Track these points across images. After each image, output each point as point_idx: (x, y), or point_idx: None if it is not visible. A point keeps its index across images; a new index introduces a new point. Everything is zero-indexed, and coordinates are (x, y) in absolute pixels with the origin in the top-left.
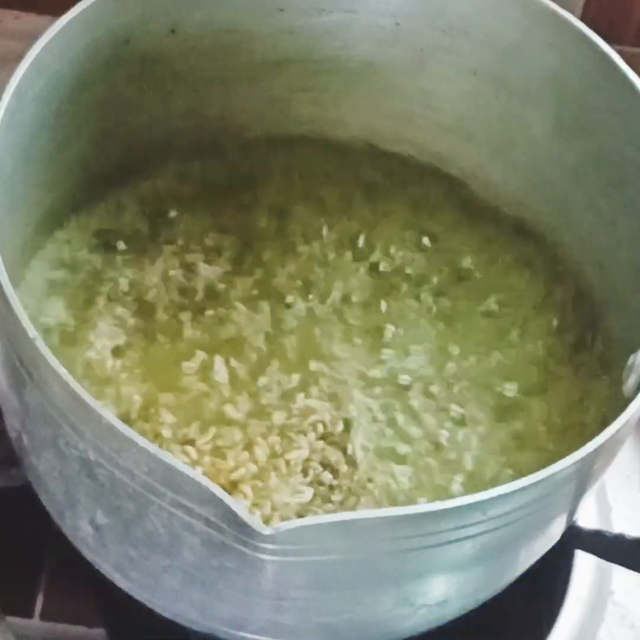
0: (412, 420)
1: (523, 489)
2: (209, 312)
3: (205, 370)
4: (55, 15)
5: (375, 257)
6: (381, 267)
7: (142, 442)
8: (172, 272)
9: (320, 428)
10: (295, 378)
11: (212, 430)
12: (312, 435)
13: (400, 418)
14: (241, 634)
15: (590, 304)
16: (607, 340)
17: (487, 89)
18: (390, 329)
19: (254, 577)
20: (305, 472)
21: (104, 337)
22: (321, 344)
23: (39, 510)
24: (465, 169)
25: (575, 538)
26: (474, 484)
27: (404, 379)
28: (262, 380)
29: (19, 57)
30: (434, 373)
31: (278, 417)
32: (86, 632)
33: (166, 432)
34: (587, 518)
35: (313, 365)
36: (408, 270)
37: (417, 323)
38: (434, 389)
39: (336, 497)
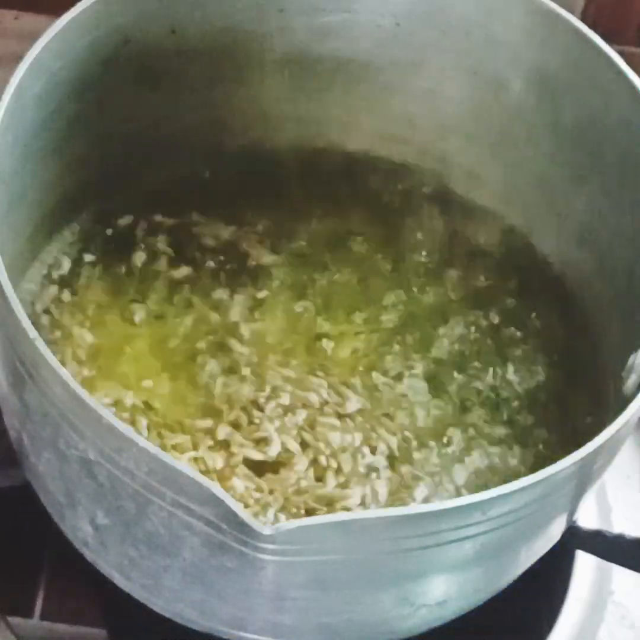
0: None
1: (523, 489)
2: (206, 311)
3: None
4: (55, 15)
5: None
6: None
7: (142, 442)
8: (171, 271)
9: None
10: None
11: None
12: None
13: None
14: (241, 634)
15: (590, 303)
16: (607, 340)
17: (487, 89)
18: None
19: (254, 577)
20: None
21: (108, 333)
22: None
23: (39, 510)
24: (465, 169)
25: (575, 538)
26: None
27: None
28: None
29: (19, 57)
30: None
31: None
32: (86, 632)
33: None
34: (587, 518)
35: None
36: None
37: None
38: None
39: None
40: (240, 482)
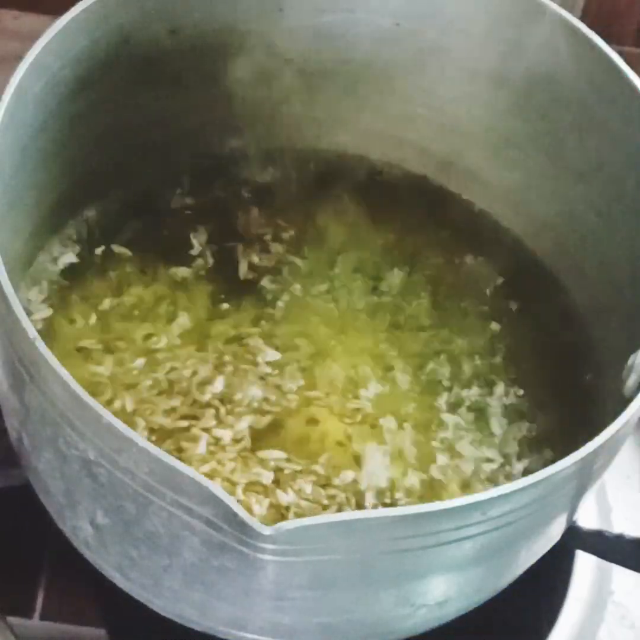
0: None
1: (523, 489)
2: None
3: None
4: (55, 15)
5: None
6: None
7: (142, 442)
8: (171, 272)
9: None
10: None
11: None
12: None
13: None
14: (241, 634)
15: (590, 303)
16: (607, 340)
17: (487, 89)
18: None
19: (254, 577)
20: None
21: (108, 334)
22: None
23: (39, 510)
24: (464, 169)
25: (575, 538)
26: None
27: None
28: None
29: (19, 57)
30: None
31: None
32: (86, 632)
33: None
34: (587, 518)
35: None
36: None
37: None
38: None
39: None
40: (305, 484)
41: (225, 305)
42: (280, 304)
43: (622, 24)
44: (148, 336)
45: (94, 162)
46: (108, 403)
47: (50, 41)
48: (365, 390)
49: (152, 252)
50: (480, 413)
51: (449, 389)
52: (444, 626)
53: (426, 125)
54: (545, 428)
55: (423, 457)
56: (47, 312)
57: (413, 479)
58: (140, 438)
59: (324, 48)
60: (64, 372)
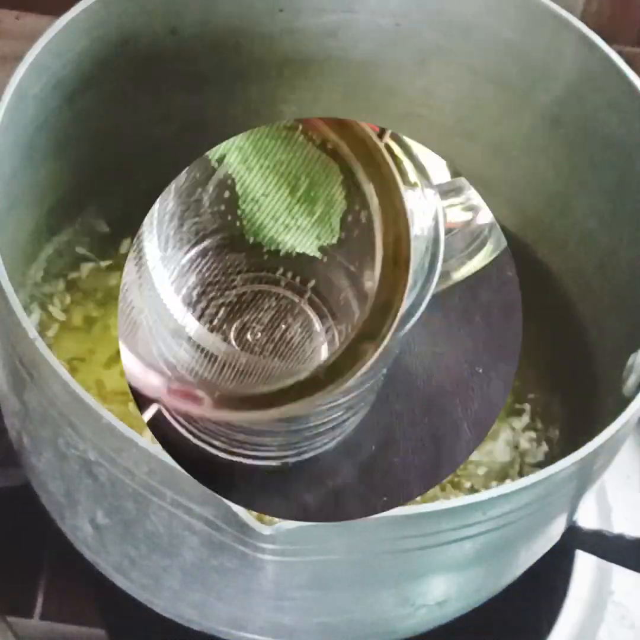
0: None
1: (523, 489)
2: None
3: None
4: (55, 15)
5: None
6: None
7: (142, 442)
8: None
9: None
10: None
11: None
12: None
13: None
14: (241, 634)
15: (590, 304)
16: (607, 341)
17: (487, 89)
18: None
19: (254, 577)
20: None
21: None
22: None
23: (39, 510)
24: (464, 169)
25: (575, 538)
26: None
27: None
28: None
29: (19, 57)
30: None
31: None
32: (86, 632)
33: None
34: (587, 518)
35: None
36: None
37: None
38: None
39: None
40: None
41: None
42: None
43: (622, 24)
44: None
45: (94, 162)
46: None
47: (50, 41)
48: None
49: None
50: None
51: None
52: (444, 626)
53: (426, 125)
54: (545, 428)
55: None
56: (47, 311)
57: None
58: (140, 438)
59: (324, 48)
60: (64, 372)
